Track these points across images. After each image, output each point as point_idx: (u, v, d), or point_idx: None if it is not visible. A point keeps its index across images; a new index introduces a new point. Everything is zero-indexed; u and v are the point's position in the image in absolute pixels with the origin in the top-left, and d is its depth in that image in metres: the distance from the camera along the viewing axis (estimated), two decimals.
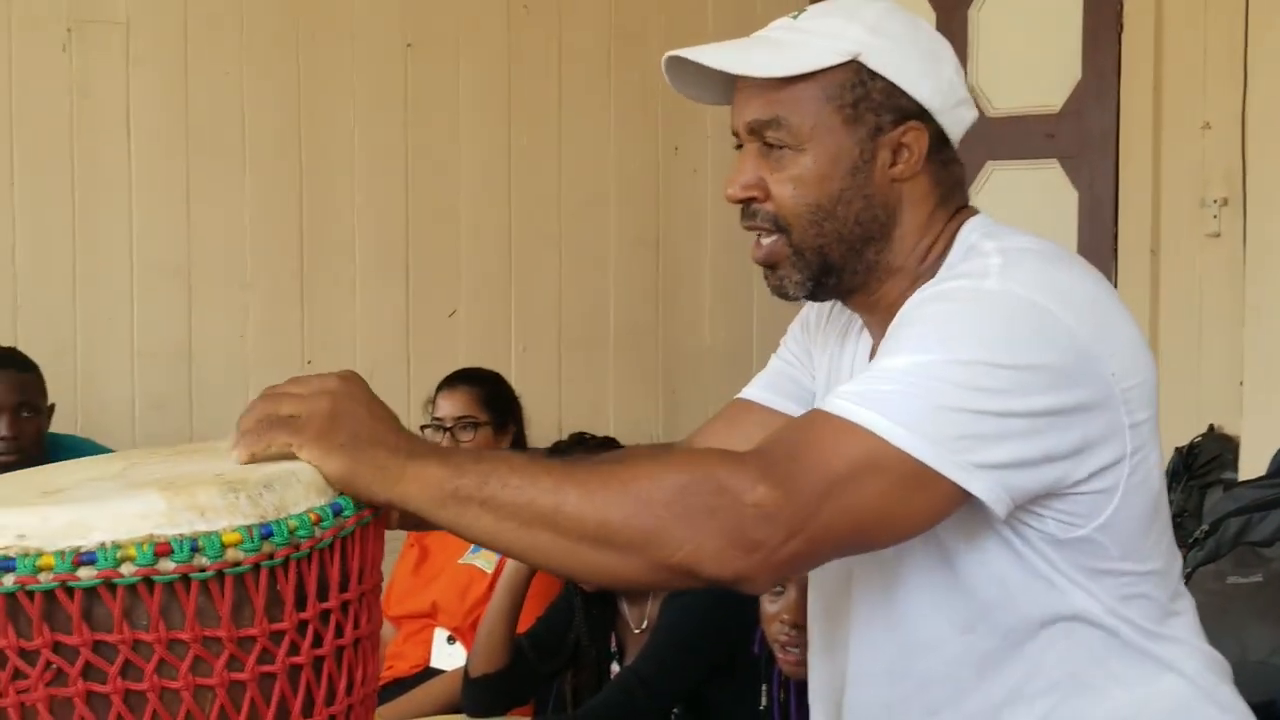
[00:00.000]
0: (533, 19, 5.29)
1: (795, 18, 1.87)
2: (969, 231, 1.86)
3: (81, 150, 4.75)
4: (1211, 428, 4.53)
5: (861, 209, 1.83)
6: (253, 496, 1.40)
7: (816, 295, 1.91)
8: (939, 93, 1.84)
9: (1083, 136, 4.84)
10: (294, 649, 1.43)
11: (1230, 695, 1.90)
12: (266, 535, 1.39)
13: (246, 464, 1.50)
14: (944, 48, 1.89)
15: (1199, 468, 4.45)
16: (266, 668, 1.42)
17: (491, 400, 4.26)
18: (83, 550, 1.35)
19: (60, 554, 1.35)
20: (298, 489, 1.45)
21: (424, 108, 5.16)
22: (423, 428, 4.16)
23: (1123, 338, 1.76)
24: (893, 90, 1.81)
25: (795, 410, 2.06)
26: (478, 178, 5.25)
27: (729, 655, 3.32)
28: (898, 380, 1.64)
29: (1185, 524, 4.03)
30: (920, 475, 1.61)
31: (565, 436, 3.98)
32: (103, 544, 1.35)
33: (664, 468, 1.60)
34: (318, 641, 1.46)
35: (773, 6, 4.66)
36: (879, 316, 1.90)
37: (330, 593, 1.47)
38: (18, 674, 1.38)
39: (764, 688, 3.25)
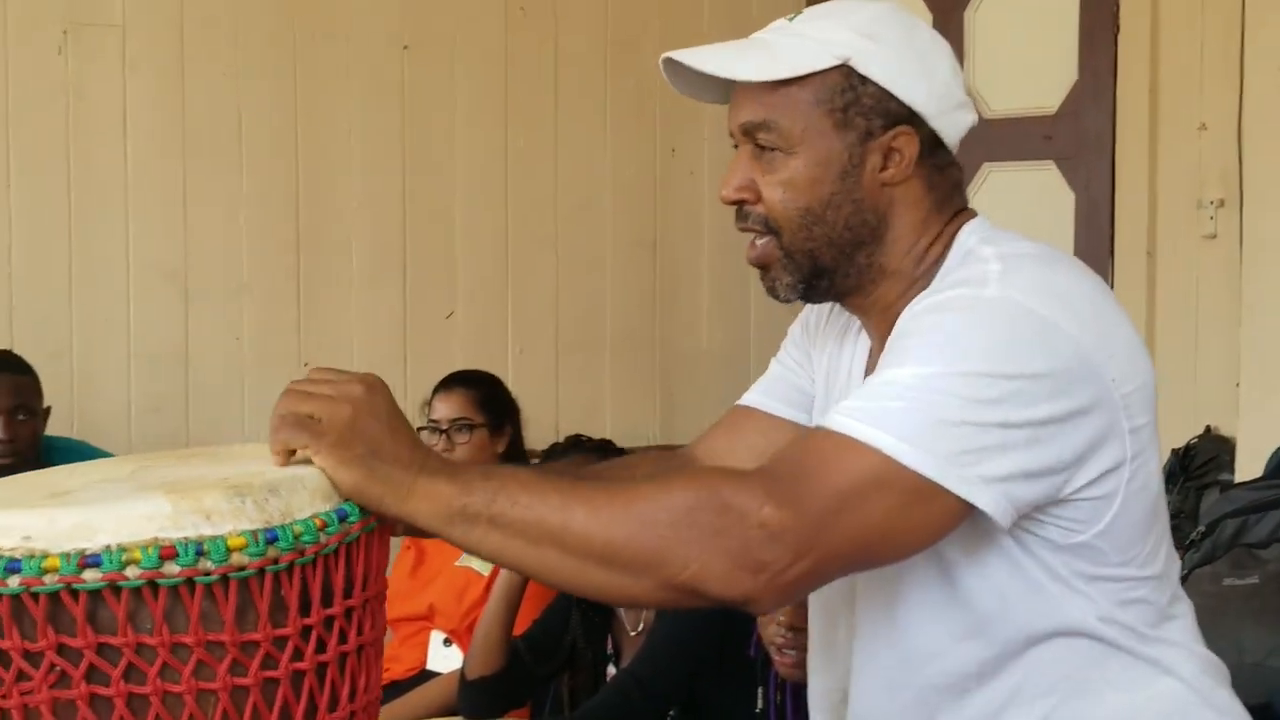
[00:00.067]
0: (529, 21, 5.28)
1: (792, 20, 1.87)
2: (967, 235, 1.85)
3: (77, 153, 4.75)
4: (1208, 429, 4.53)
5: (851, 213, 1.83)
6: (259, 501, 1.41)
7: (809, 297, 1.91)
8: (933, 97, 1.83)
9: (1079, 138, 4.84)
10: (298, 654, 1.44)
11: (1227, 699, 1.90)
12: (272, 540, 1.39)
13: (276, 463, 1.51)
14: (940, 51, 1.88)
15: (1195, 469, 4.45)
16: (270, 673, 1.42)
17: (487, 402, 4.25)
18: (88, 553, 1.35)
19: (66, 556, 1.35)
20: (304, 494, 1.46)
21: (420, 110, 5.16)
22: (419, 430, 4.16)
23: (1122, 343, 1.75)
24: (884, 95, 1.81)
25: (795, 415, 2.07)
26: (474, 180, 5.25)
27: (725, 658, 3.32)
28: (899, 394, 1.63)
29: (1181, 525, 4.02)
30: (925, 491, 1.61)
31: (562, 438, 3.98)
32: (108, 547, 1.35)
33: (671, 487, 1.60)
34: (321, 647, 1.46)
35: (768, 9, 4.67)
36: (876, 318, 1.90)
37: (334, 598, 1.47)
38: (21, 675, 1.38)
39: (760, 690, 3.25)
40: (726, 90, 1.87)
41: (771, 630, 3.01)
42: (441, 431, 4.15)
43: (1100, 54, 4.77)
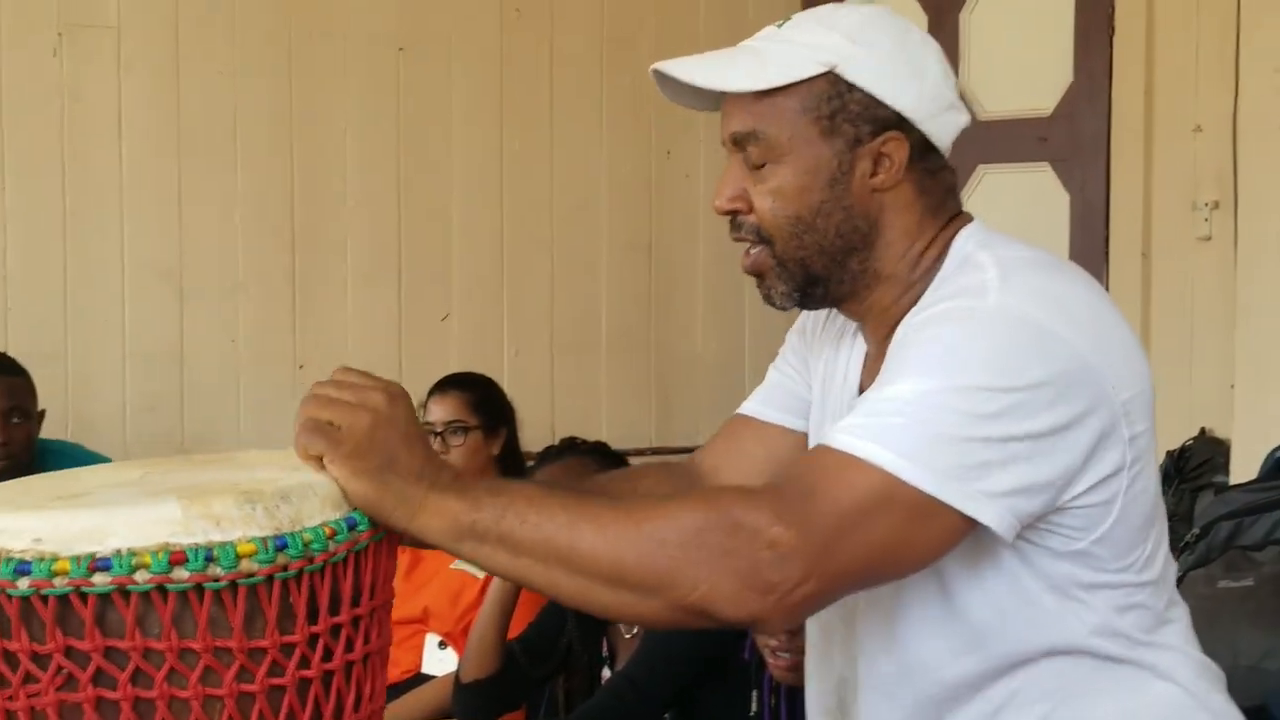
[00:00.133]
0: (524, 23, 5.28)
1: (781, 26, 1.87)
2: (963, 240, 1.85)
3: (72, 154, 4.75)
4: (1203, 431, 4.53)
5: (842, 220, 1.82)
6: (269, 508, 1.41)
7: (805, 304, 1.91)
8: (923, 100, 1.82)
9: (1074, 140, 4.84)
10: (304, 662, 1.44)
11: (1223, 703, 1.90)
12: (281, 547, 1.40)
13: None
14: (930, 53, 1.86)
15: (1190, 471, 4.44)
16: (276, 680, 1.42)
17: (482, 405, 4.25)
18: (98, 556, 1.35)
19: (76, 559, 1.35)
20: (314, 502, 1.46)
21: (416, 111, 5.16)
22: None
23: (1121, 349, 1.75)
24: (871, 101, 1.80)
25: (793, 423, 2.07)
26: (470, 181, 5.25)
27: (720, 660, 3.32)
28: (899, 410, 1.63)
29: (1176, 528, 3.99)
30: (928, 507, 1.61)
31: (557, 441, 3.97)
32: (118, 550, 1.35)
33: (680, 507, 1.60)
34: (328, 655, 1.46)
35: (764, 9, 4.68)
36: (873, 323, 1.90)
37: (342, 607, 1.47)
38: (29, 678, 1.39)
39: (754, 693, 3.25)
40: (718, 99, 1.87)
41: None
42: (436, 434, 4.15)
43: (1095, 56, 4.77)
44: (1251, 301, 4.33)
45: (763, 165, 1.82)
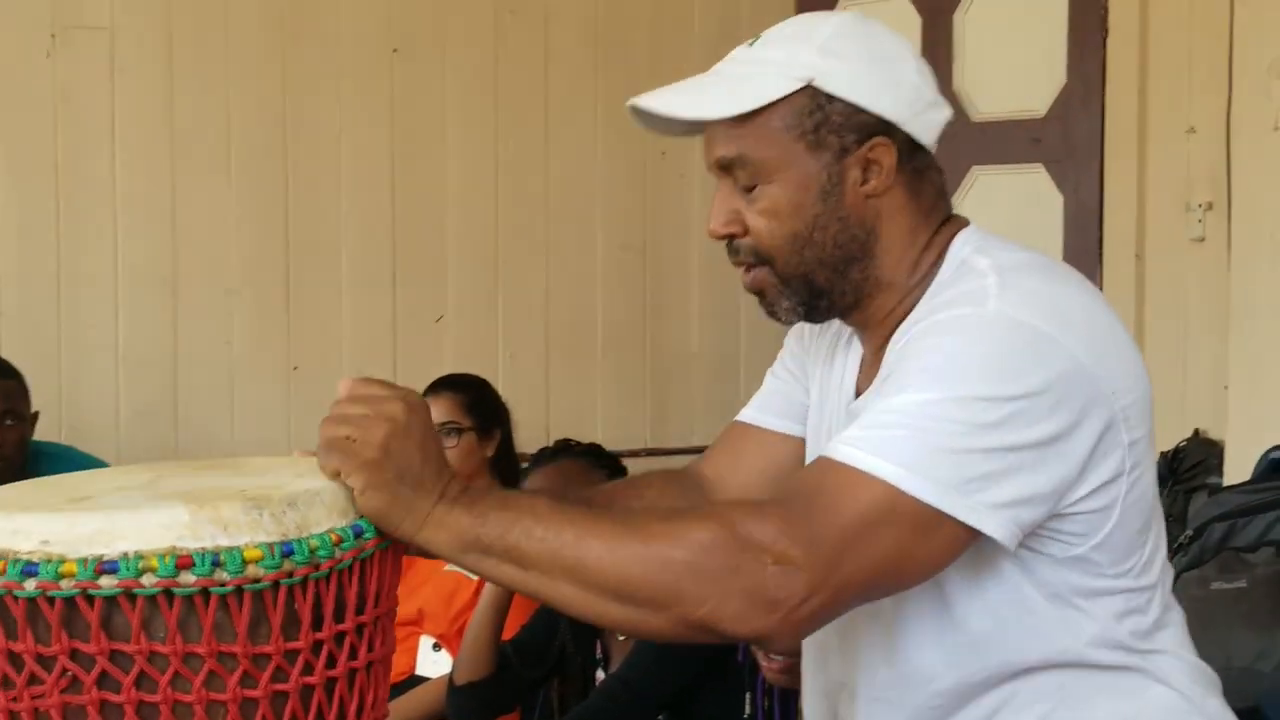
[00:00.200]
0: (519, 23, 5.28)
1: (752, 45, 1.87)
2: (960, 245, 1.86)
3: (65, 156, 4.74)
4: (1196, 432, 4.53)
5: (839, 231, 1.83)
6: (276, 514, 1.41)
7: (811, 318, 1.91)
8: (902, 102, 1.83)
9: (1068, 141, 4.84)
10: (308, 669, 1.44)
11: (1218, 707, 1.91)
12: (288, 553, 1.40)
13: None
14: (903, 54, 1.87)
15: (1184, 472, 4.45)
16: (280, 686, 1.42)
17: (475, 406, 4.25)
18: (105, 559, 1.36)
19: (83, 561, 1.36)
20: (320, 509, 1.47)
21: (410, 113, 5.15)
22: None
23: (1120, 355, 1.76)
24: (852, 109, 1.80)
25: (792, 429, 2.08)
26: (464, 183, 5.24)
27: (714, 663, 3.33)
28: (900, 422, 1.63)
29: (1170, 529, 4.00)
30: (931, 519, 1.62)
31: (552, 443, 3.97)
32: (125, 554, 1.36)
33: (686, 523, 1.60)
34: (332, 662, 1.47)
35: (759, 9, 4.67)
36: (873, 330, 1.90)
37: (347, 614, 1.48)
38: (33, 679, 1.39)
39: (748, 695, 3.26)
40: (699, 125, 1.86)
41: None
42: None
43: (1089, 57, 4.77)
44: (1245, 303, 4.33)
45: (753, 187, 1.83)
